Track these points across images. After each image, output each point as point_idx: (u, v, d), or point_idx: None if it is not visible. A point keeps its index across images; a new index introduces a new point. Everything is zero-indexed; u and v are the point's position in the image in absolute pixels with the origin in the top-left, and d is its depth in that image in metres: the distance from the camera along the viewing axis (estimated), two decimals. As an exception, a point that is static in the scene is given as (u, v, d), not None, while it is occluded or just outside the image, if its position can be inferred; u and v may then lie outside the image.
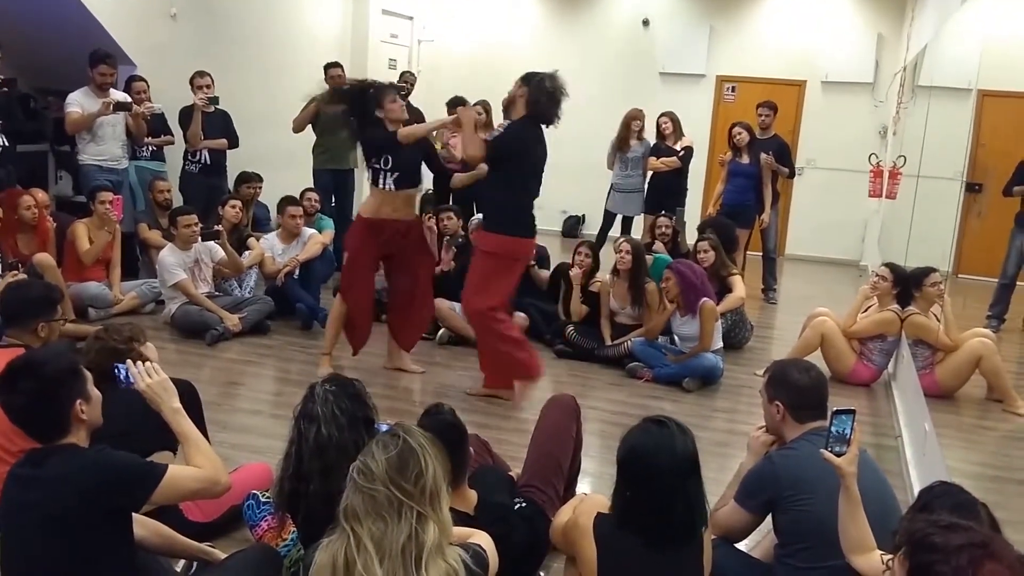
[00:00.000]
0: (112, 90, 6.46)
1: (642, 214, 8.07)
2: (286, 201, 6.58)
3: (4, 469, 2.36)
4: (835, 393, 3.70)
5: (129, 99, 6.52)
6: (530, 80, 4.65)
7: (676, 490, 2.30)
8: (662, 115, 7.97)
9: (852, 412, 2.29)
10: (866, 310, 5.64)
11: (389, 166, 4.86)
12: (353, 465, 1.93)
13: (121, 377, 2.49)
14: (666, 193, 7.81)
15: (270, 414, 4.53)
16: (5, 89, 5.97)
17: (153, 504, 2.38)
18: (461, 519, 2.31)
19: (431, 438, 2.00)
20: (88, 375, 2.37)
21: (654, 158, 7.89)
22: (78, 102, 6.32)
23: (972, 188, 5.83)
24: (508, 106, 4.77)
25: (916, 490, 3.10)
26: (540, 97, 4.62)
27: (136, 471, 2.28)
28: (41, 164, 7.36)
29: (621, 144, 7.89)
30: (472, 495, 2.70)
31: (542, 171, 4.84)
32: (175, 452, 2.70)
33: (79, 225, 5.99)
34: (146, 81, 6.82)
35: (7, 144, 6.01)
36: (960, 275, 5.86)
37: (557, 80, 4.65)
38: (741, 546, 2.90)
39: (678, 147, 7.83)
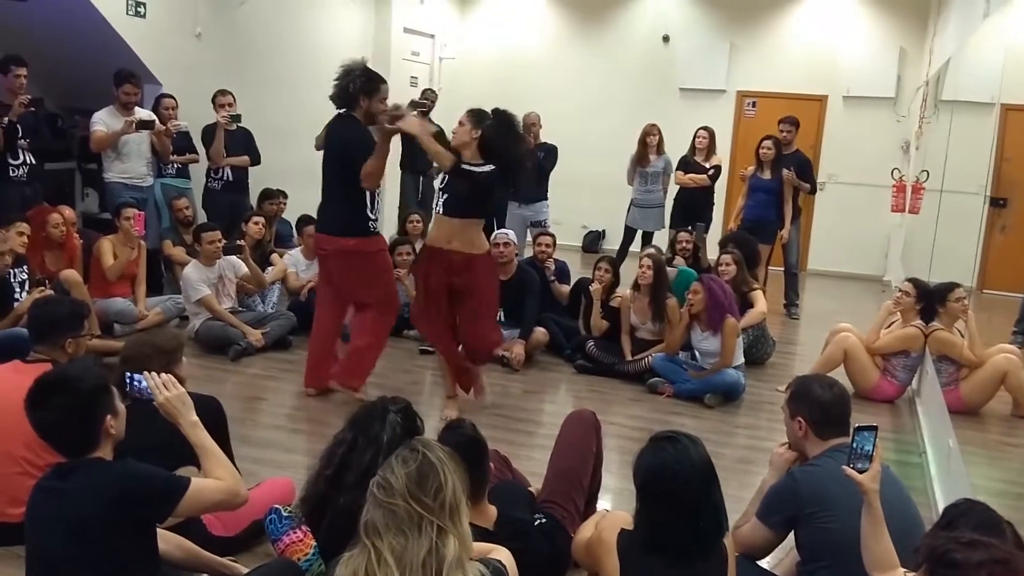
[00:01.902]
0: (137, 108, 6.56)
1: (663, 229, 8.04)
2: (303, 221, 6.63)
3: (30, 483, 2.38)
4: (858, 409, 3.68)
5: (153, 117, 6.59)
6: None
7: (702, 500, 2.30)
8: (701, 128, 7.92)
9: (874, 428, 2.28)
10: (889, 326, 5.59)
11: (442, 185, 4.57)
12: (373, 480, 1.94)
13: (139, 388, 2.51)
14: (692, 209, 7.77)
15: (292, 429, 4.55)
16: (33, 108, 6.06)
17: (178, 516, 2.40)
18: (481, 534, 2.32)
19: (450, 452, 2.01)
20: (115, 390, 2.41)
21: (681, 172, 7.86)
22: (103, 120, 6.43)
23: (996, 203, 5.78)
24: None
25: (940, 507, 3.07)
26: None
27: (161, 483, 2.31)
28: (68, 181, 7.47)
29: (640, 160, 7.87)
30: (492, 510, 2.70)
31: (330, 166, 4.79)
32: (199, 467, 2.72)
33: (104, 241, 6.06)
34: (175, 98, 6.91)
35: (35, 162, 6.11)
36: (984, 290, 5.80)
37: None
38: (763, 563, 2.88)
39: (708, 165, 7.81)
